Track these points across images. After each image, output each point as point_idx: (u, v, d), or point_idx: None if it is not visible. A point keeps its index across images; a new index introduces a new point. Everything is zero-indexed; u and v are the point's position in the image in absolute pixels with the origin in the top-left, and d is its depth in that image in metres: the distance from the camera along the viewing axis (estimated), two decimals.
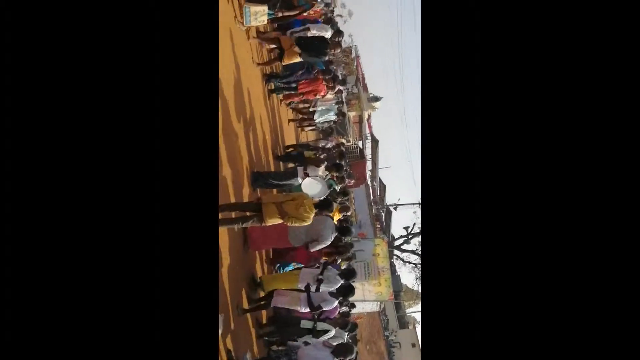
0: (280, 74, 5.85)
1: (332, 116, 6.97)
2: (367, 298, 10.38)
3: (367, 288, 10.26)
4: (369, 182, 17.79)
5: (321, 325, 3.84)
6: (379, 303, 11.93)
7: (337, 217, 4.67)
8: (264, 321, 3.98)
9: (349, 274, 4.23)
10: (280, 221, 3.41)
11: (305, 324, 3.81)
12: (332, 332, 3.89)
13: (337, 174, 4.77)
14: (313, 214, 3.48)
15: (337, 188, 5.00)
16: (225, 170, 3.71)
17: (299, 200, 3.47)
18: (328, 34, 5.18)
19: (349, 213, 5.45)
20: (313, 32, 5.05)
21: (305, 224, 3.46)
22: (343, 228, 4.46)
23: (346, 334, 4.40)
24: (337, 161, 5.12)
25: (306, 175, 4.24)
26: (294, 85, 5.81)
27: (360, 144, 18.19)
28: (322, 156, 5.60)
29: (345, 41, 20.72)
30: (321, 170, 4.47)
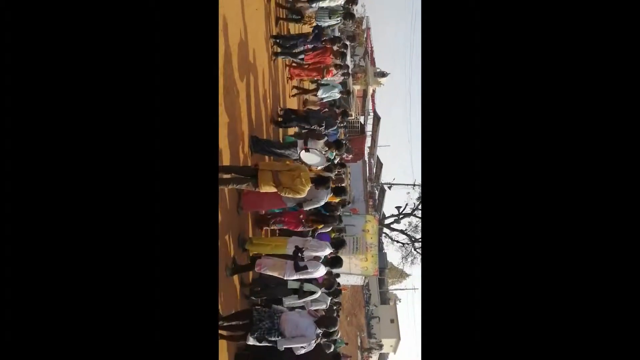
0: (288, 36, 5.61)
1: (336, 93, 6.73)
2: (353, 271, 10.59)
3: (353, 262, 10.44)
4: (366, 159, 17.74)
5: (307, 286, 3.90)
6: (363, 277, 12.20)
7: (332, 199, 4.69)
8: (250, 281, 4.04)
9: (338, 244, 4.27)
10: (274, 190, 3.40)
11: (292, 284, 3.86)
12: (318, 294, 3.94)
13: (337, 152, 4.73)
14: (308, 187, 3.46)
15: (336, 161, 4.98)
16: (224, 131, 3.65)
17: (296, 172, 3.43)
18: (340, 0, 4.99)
19: (343, 184, 5.48)
20: None
21: (299, 196, 3.44)
22: (338, 188, 4.46)
23: (329, 298, 4.46)
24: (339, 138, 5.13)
25: (306, 149, 4.21)
26: (301, 56, 5.57)
27: (362, 119, 18.00)
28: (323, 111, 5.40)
29: (358, 10, 20.06)
30: (321, 144, 4.42)
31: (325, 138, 4.61)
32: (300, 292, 3.79)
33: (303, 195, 3.46)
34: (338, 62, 5.64)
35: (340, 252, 4.43)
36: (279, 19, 5.85)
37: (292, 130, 5.82)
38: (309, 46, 5.38)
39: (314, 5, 5.35)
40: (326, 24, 5.50)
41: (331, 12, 5.44)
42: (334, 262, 4.15)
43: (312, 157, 4.15)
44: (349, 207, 11.54)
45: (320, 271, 3.87)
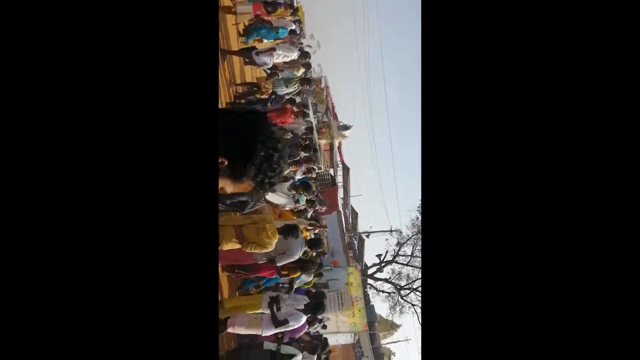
0: (248, 101, 5.66)
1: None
2: (341, 329, 9.97)
3: (340, 319, 9.87)
4: (341, 210, 17.67)
5: (285, 349, 3.40)
6: (353, 335, 11.49)
7: (305, 235, 4.44)
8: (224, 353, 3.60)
9: (316, 295, 3.91)
10: (238, 246, 3.11)
11: (268, 345, 3.40)
12: (299, 358, 3.47)
13: (306, 193, 4.47)
14: (276, 240, 3.17)
15: (305, 199, 4.76)
16: None
17: (260, 224, 3.13)
18: (294, 54, 5.14)
19: (319, 235, 5.18)
20: (279, 52, 4.97)
21: (265, 250, 3.14)
22: (313, 240, 4.15)
23: (315, 357, 3.95)
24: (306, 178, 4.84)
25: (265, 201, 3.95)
26: None
27: (331, 171, 18.22)
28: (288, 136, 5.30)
29: (315, 71, 21.17)
30: (286, 186, 4.20)
31: (292, 180, 4.40)
32: (277, 356, 3.32)
33: (270, 248, 3.16)
34: (299, 116, 5.70)
35: (325, 309, 4.06)
36: (235, 84, 5.95)
37: None
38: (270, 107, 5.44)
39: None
40: (284, 92, 5.52)
41: (287, 81, 5.41)
42: (315, 307, 3.68)
43: (278, 198, 3.89)
44: (329, 259, 11.17)
45: (302, 320, 3.45)
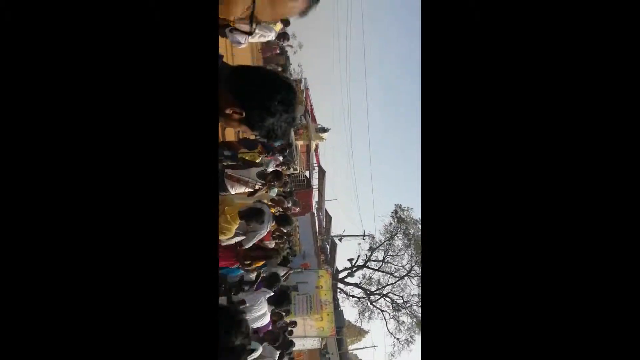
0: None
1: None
2: (308, 334, 9.75)
3: (308, 323, 9.65)
4: (314, 212, 17.50)
5: None
6: (320, 339, 11.28)
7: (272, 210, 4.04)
8: None
9: (271, 279, 3.42)
10: None
11: None
12: (259, 351, 3.06)
13: (277, 182, 3.93)
14: (236, 225, 2.77)
15: (274, 193, 4.44)
16: None
17: (220, 207, 2.69)
18: (272, 34, 4.87)
19: (289, 210, 4.64)
20: (255, 30, 4.72)
21: (224, 237, 2.75)
22: (282, 217, 3.62)
23: (277, 352, 3.52)
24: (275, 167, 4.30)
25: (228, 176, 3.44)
26: None
27: (307, 173, 18.04)
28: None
29: (295, 70, 20.97)
30: (253, 172, 3.67)
31: (262, 168, 3.89)
32: (234, 351, 2.99)
33: (230, 235, 2.77)
34: None
35: (293, 308, 3.72)
36: None
37: None
38: None
39: None
40: None
41: None
42: (280, 299, 3.30)
43: (239, 174, 3.46)
44: (300, 261, 10.95)
45: (262, 308, 3.06)
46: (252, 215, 2.83)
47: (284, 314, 4.27)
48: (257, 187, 3.57)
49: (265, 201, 3.73)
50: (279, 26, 5.27)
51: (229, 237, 2.76)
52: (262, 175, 3.75)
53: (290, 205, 5.09)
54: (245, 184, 3.42)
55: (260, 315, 3.14)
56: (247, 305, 3.03)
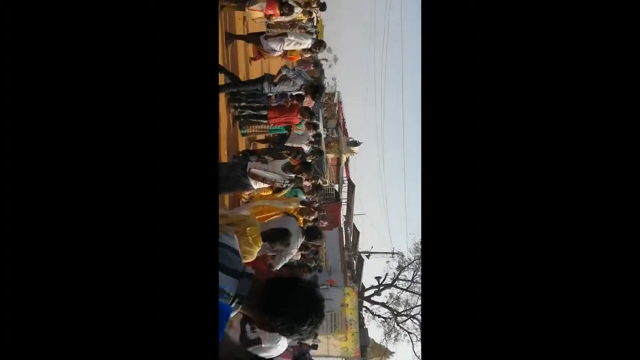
0: (246, 91, 4.91)
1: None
2: (332, 354, 9.40)
3: (332, 342, 9.32)
4: (342, 227, 17.24)
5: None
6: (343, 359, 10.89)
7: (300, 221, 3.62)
8: None
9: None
10: None
11: None
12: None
13: (306, 174, 3.39)
14: (258, 248, 2.43)
15: (303, 197, 4.07)
16: None
17: (239, 227, 2.35)
18: (308, 42, 4.73)
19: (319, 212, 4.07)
20: (290, 38, 4.56)
21: (246, 260, 2.42)
22: (312, 230, 3.20)
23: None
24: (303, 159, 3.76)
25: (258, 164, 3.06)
26: (263, 112, 5.02)
27: (336, 187, 17.85)
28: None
29: (329, 84, 21.07)
30: (279, 166, 3.27)
31: (287, 160, 3.38)
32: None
33: (252, 258, 2.45)
34: (307, 120, 5.01)
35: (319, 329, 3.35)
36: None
37: None
38: (274, 104, 4.89)
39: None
40: (289, 90, 4.90)
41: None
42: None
43: (271, 175, 3.07)
44: (325, 277, 10.70)
45: (281, 347, 2.66)
46: (276, 238, 2.58)
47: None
48: (284, 185, 3.26)
49: (293, 208, 3.47)
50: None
51: (250, 260, 2.48)
52: (288, 168, 3.35)
53: (320, 214, 4.82)
54: (271, 184, 3.17)
55: (282, 352, 2.86)
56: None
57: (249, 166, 3.20)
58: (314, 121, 5.14)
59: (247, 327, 2.71)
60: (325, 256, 11.86)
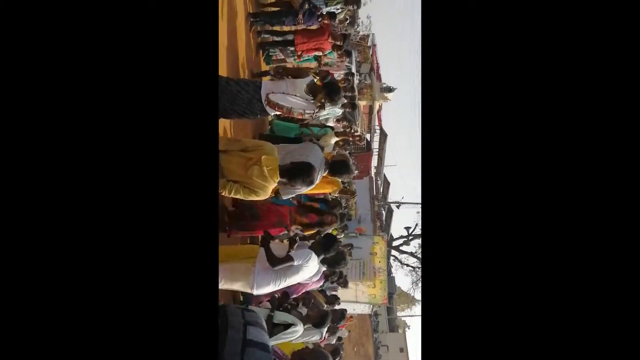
0: (271, 13, 4.25)
1: (337, 111, 5.38)
2: (360, 300, 9.56)
3: (360, 289, 9.44)
4: (373, 176, 16.95)
5: (280, 316, 2.27)
6: (371, 306, 11.11)
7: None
8: None
9: (334, 261, 2.50)
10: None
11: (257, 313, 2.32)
12: (299, 329, 2.31)
13: (330, 102, 2.55)
14: (274, 184, 1.97)
15: (334, 112, 3.20)
16: None
17: (254, 154, 1.89)
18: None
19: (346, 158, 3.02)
20: None
21: (257, 197, 1.97)
22: (338, 164, 2.53)
23: (323, 330, 2.63)
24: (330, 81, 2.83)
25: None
26: (289, 37, 4.28)
27: (367, 136, 17.30)
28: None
29: (363, 23, 19.69)
30: (302, 86, 2.50)
31: (309, 77, 2.54)
32: (269, 327, 2.15)
33: (265, 196, 2.00)
34: (339, 43, 4.11)
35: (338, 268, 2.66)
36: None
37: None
38: (301, 24, 4.22)
39: None
40: (320, 3, 4.17)
41: None
42: (326, 246, 2.36)
43: (294, 101, 2.38)
44: (355, 226, 10.64)
45: (312, 267, 2.27)
46: (297, 173, 2.02)
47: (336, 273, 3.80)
48: (306, 114, 2.51)
49: (327, 145, 2.92)
50: None
51: (263, 198, 2.00)
52: (313, 89, 2.53)
53: (357, 134, 4.27)
54: (289, 112, 2.35)
55: (313, 273, 2.47)
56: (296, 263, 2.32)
57: (264, 88, 2.41)
58: (348, 47, 4.53)
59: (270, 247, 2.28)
60: (355, 205, 11.73)
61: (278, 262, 2.21)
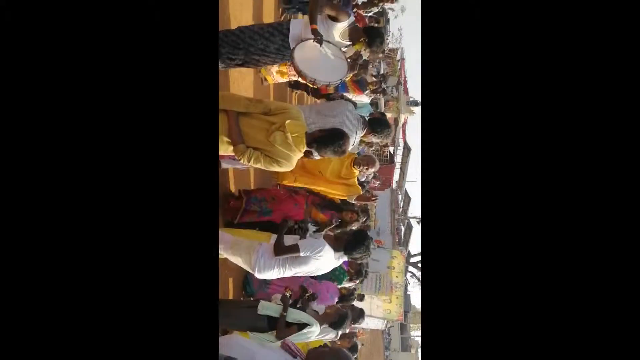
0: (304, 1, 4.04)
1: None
2: (374, 314, 9.26)
3: (375, 302, 9.15)
4: (394, 189, 16.66)
5: (294, 314, 2.01)
6: (385, 321, 10.76)
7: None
8: None
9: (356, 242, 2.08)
10: (229, 152, 1.65)
11: (266, 308, 1.97)
12: (315, 329, 2.04)
13: (369, 47, 2.09)
14: (299, 154, 1.67)
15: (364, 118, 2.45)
16: None
17: (278, 118, 1.59)
18: None
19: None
20: None
21: (279, 169, 1.67)
22: (377, 120, 2.21)
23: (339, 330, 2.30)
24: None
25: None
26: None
27: (391, 148, 17.09)
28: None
29: (394, 35, 19.63)
30: (340, 29, 2.03)
31: (350, 16, 2.08)
32: (279, 325, 1.92)
33: (288, 167, 1.69)
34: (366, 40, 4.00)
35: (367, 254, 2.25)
36: None
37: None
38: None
39: None
40: None
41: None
42: (354, 241, 2.04)
43: (314, 52, 1.85)
44: (373, 237, 10.39)
45: (326, 261, 2.00)
46: (327, 141, 1.68)
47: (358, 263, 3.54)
48: (332, 84, 1.98)
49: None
50: None
51: (287, 170, 1.70)
52: (353, 33, 2.07)
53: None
54: (312, 82, 1.86)
55: (328, 267, 2.20)
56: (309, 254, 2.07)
57: (292, 28, 1.96)
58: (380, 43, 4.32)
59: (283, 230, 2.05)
60: (375, 216, 11.49)
61: (281, 252, 2.06)
